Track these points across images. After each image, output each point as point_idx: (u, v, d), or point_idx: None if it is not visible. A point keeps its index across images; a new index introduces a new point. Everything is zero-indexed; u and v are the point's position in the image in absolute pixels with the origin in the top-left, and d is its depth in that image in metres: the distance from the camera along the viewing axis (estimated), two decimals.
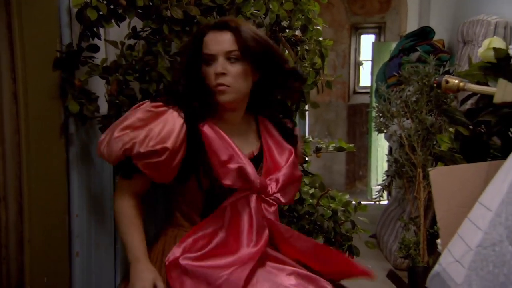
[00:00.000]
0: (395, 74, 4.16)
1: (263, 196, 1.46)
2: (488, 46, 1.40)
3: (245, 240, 1.38)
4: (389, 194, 4.82)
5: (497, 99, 1.25)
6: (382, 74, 4.41)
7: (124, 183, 1.51)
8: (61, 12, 1.63)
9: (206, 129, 1.42)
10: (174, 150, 1.38)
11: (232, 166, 1.38)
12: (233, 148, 1.41)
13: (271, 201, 1.47)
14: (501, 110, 1.32)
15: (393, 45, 4.89)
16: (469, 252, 0.98)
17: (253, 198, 1.43)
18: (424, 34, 4.30)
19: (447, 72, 3.60)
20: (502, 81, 1.26)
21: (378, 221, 4.36)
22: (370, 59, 6.14)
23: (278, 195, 1.48)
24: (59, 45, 1.63)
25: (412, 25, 4.97)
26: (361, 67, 7.13)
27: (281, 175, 1.49)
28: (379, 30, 7.06)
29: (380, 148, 5.79)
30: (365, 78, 7.04)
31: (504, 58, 1.37)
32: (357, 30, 7.11)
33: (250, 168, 1.41)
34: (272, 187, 1.47)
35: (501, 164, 1.05)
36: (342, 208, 2.07)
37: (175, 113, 1.41)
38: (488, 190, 1.05)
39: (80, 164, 1.74)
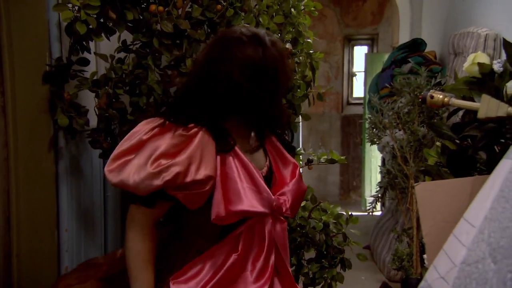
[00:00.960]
0: (387, 85, 4.19)
1: (277, 215, 1.37)
2: (473, 61, 1.41)
3: (254, 272, 1.32)
4: (383, 205, 4.82)
5: (481, 115, 1.26)
6: (374, 85, 4.43)
7: (141, 211, 1.30)
8: (51, 26, 1.64)
9: (232, 161, 1.29)
10: (215, 178, 1.26)
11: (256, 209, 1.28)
12: (257, 186, 1.30)
13: (283, 219, 1.41)
14: (486, 124, 1.33)
15: (386, 56, 4.91)
16: (454, 268, 0.99)
17: (269, 220, 1.34)
18: (416, 45, 4.33)
19: (439, 84, 3.63)
20: (485, 97, 1.27)
21: (371, 232, 4.35)
22: (363, 70, 6.17)
23: (288, 211, 1.41)
24: (49, 59, 1.63)
25: (404, 37, 5.01)
26: (354, 78, 7.16)
27: (289, 190, 1.38)
28: (372, 42, 7.10)
29: (374, 159, 5.80)
30: (359, 89, 7.07)
31: (488, 73, 1.39)
32: (350, 41, 7.15)
33: (267, 194, 1.31)
34: (285, 204, 1.38)
35: (486, 179, 1.06)
36: (334, 221, 2.07)
37: (206, 135, 1.26)
38: (472, 206, 1.05)
39: (70, 178, 1.73)
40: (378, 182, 3.45)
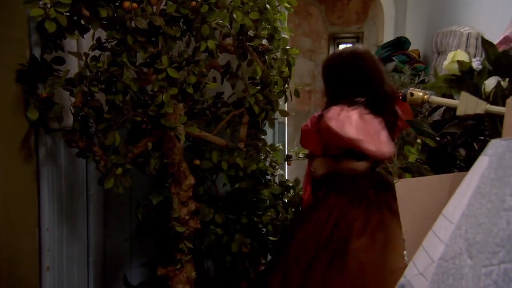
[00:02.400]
0: None
1: None
2: (452, 59, 1.42)
3: None
4: None
5: (459, 112, 1.27)
6: None
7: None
8: (31, 23, 1.61)
9: None
10: None
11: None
12: None
13: None
14: (465, 122, 1.35)
15: None
16: (432, 264, 1.00)
17: None
18: (400, 44, 4.36)
19: (422, 82, 3.66)
20: (464, 94, 1.28)
21: None
22: None
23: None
24: (28, 57, 1.61)
25: (388, 35, 5.04)
26: None
27: None
28: (357, 40, 7.13)
29: None
30: None
31: (467, 71, 1.40)
32: (335, 40, 7.18)
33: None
34: None
35: (464, 176, 1.07)
36: None
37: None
38: (450, 203, 1.06)
39: (51, 177, 1.71)
40: None
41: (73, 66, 1.76)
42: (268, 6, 1.78)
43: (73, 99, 1.64)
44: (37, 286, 1.65)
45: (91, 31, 1.62)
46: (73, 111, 1.64)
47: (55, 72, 1.65)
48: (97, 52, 1.68)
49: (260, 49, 1.90)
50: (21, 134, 1.59)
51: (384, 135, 1.87)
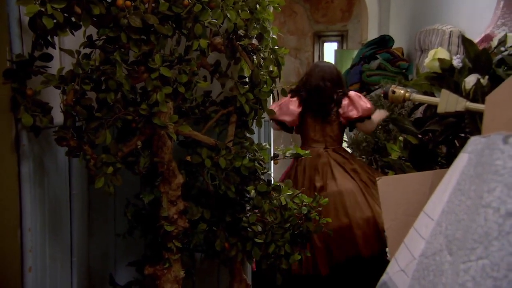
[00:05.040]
0: (356, 81, 4.25)
1: None
2: (433, 56, 1.44)
3: None
4: None
5: (440, 109, 1.29)
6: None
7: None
8: (11, 22, 1.59)
9: None
10: None
11: None
12: None
13: None
14: (446, 119, 1.36)
15: (355, 53, 4.98)
16: (413, 261, 1.01)
17: None
18: (384, 42, 4.40)
19: (406, 78, 3.69)
20: (445, 92, 1.30)
21: None
22: None
23: None
24: (9, 54, 1.58)
25: (372, 34, 5.09)
26: None
27: None
28: (342, 38, 7.18)
29: None
30: None
31: (448, 68, 1.42)
32: (320, 38, 7.21)
33: None
34: None
35: (445, 173, 1.08)
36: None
37: None
38: (431, 199, 1.08)
39: (33, 176, 1.69)
40: None
41: (55, 64, 1.74)
42: (258, 6, 1.79)
43: (62, 97, 1.62)
44: (19, 287, 1.63)
45: (81, 29, 1.61)
46: (63, 110, 1.62)
47: (42, 69, 1.63)
48: (87, 50, 1.67)
49: (249, 49, 1.91)
50: (4, 133, 1.57)
51: None
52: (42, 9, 1.45)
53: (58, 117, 1.70)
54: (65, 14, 1.55)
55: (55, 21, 1.49)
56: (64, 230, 1.97)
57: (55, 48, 1.66)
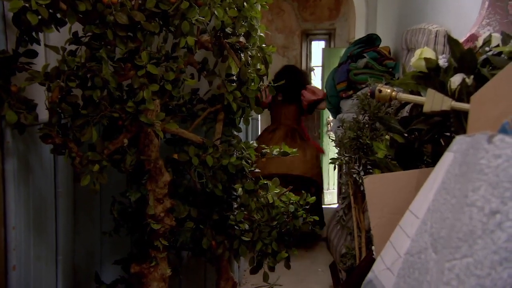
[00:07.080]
0: (344, 80, 4.26)
1: None
2: (419, 56, 1.45)
3: None
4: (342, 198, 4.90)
5: (426, 109, 1.30)
6: (331, 80, 4.49)
7: None
8: None
9: None
10: None
11: None
12: None
13: None
14: (432, 118, 1.37)
15: (343, 51, 5.00)
16: (399, 259, 1.02)
17: None
18: (371, 41, 4.41)
19: (393, 76, 3.71)
20: (430, 91, 1.31)
21: (328, 224, 4.43)
22: (321, 64, 6.25)
23: None
24: None
25: (360, 32, 5.11)
26: (312, 72, 7.24)
27: None
28: (329, 37, 7.20)
29: (332, 152, 5.89)
30: (317, 83, 7.16)
31: (434, 68, 1.43)
32: (308, 36, 7.22)
33: None
34: None
35: (430, 172, 1.09)
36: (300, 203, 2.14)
37: None
38: (417, 198, 1.09)
39: (18, 174, 1.67)
40: (339, 177, 3.52)
41: (39, 60, 1.72)
42: (245, 4, 1.79)
43: (47, 94, 1.61)
44: (3, 285, 1.62)
45: (67, 25, 1.59)
46: (48, 107, 1.60)
47: (26, 65, 1.61)
48: (73, 47, 1.65)
49: (237, 46, 1.90)
50: None
51: None
52: (27, 5, 1.44)
53: (43, 114, 1.68)
54: (50, 10, 1.53)
55: (39, 17, 1.47)
56: (49, 229, 1.96)
57: (40, 45, 1.64)
